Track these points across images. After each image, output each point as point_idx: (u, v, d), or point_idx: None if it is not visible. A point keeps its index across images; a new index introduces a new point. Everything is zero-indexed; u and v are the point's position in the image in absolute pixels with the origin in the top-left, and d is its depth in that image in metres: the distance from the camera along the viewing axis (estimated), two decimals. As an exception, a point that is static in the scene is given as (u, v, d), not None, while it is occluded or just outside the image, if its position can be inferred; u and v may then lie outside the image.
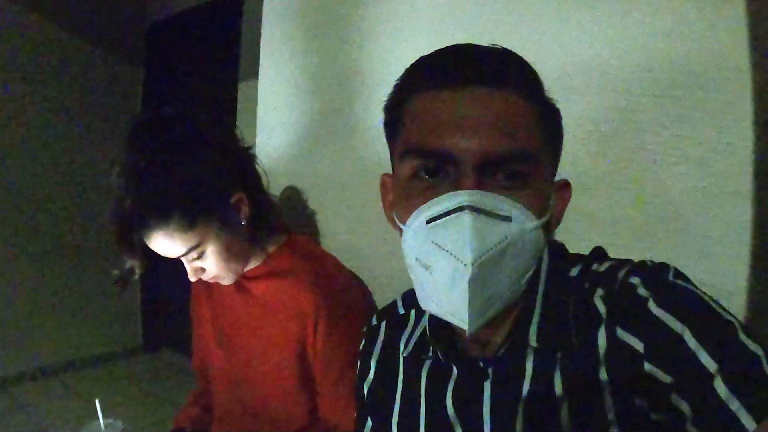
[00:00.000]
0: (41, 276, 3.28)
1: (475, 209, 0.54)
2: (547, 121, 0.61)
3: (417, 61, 0.63)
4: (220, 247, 1.04)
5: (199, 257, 1.03)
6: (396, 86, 0.65)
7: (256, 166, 1.16)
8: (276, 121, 1.53)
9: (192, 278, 1.07)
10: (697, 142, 0.84)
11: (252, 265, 1.15)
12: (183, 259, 1.04)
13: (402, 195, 0.62)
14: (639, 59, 0.89)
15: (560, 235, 0.98)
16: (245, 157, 1.14)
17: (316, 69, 1.42)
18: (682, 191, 0.86)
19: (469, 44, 0.61)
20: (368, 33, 1.30)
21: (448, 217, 0.55)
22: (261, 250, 1.15)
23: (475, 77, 0.57)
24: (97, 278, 3.50)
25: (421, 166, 0.58)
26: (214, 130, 1.08)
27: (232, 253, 1.06)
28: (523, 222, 0.56)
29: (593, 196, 0.95)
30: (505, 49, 0.61)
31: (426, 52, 1.16)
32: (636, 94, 0.89)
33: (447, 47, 0.62)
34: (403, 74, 0.64)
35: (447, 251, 0.54)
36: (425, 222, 0.57)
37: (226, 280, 1.10)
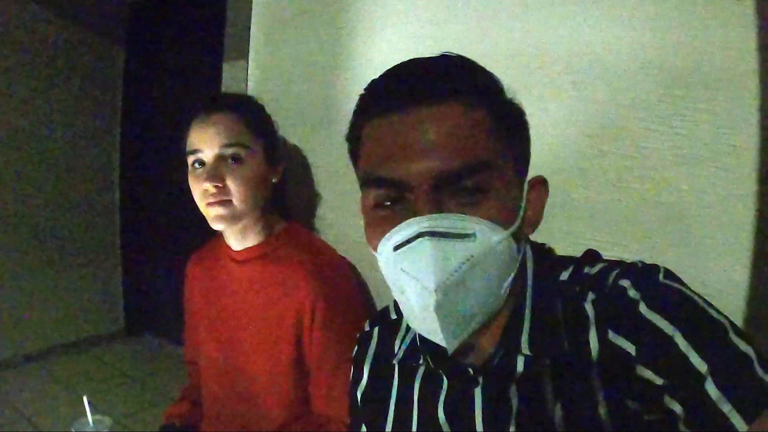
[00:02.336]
0: (23, 261, 3.22)
1: (433, 234, 0.54)
2: (502, 122, 0.59)
3: (368, 86, 0.63)
4: (255, 172, 1.08)
5: (235, 160, 1.06)
6: (353, 113, 0.65)
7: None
8: (268, 108, 1.49)
9: (207, 184, 1.04)
10: (702, 143, 0.83)
11: (250, 242, 1.14)
12: (212, 162, 1.06)
13: (370, 223, 0.62)
14: (646, 56, 0.88)
15: (560, 233, 0.97)
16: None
17: (309, 55, 1.39)
18: (685, 191, 0.86)
19: (413, 61, 0.61)
20: (363, 18, 1.27)
21: (410, 244, 0.55)
22: (265, 227, 1.14)
23: (418, 97, 0.57)
24: (78, 263, 3.45)
25: (380, 195, 0.59)
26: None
27: (255, 189, 1.09)
28: (488, 236, 0.56)
29: (594, 193, 0.94)
30: (451, 58, 0.61)
31: (422, 38, 1.14)
32: (641, 91, 0.88)
33: (393, 67, 0.62)
34: (358, 101, 0.64)
35: (413, 278, 0.55)
36: (392, 249, 0.57)
37: (225, 213, 1.06)
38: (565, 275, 0.64)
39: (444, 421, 0.66)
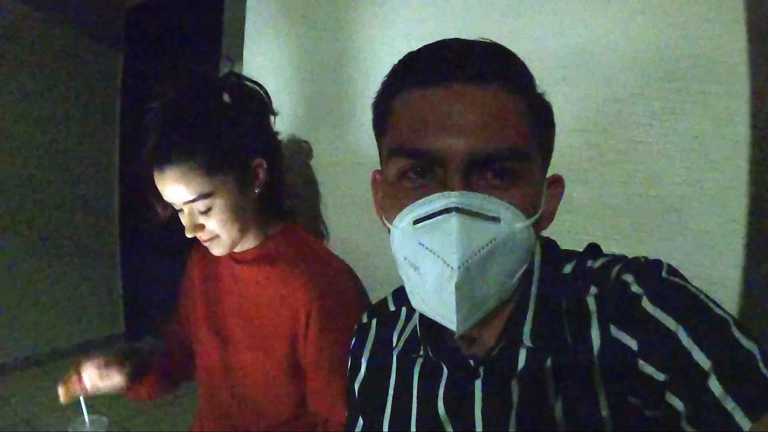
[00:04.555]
0: (22, 264, 3.22)
1: (462, 211, 0.53)
2: (537, 115, 0.59)
3: (404, 57, 0.62)
4: (229, 205, 1.03)
5: (205, 211, 1.02)
6: (383, 83, 0.64)
7: (281, 150, 1.21)
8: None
9: (189, 234, 1.04)
10: (692, 135, 0.83)
11: (248, 245, 1.13)
12: (185, 210, 1.03)
13: (390, 194, 0.61)
14: (636, 50, 0.88)
15: (553, 228, 0.97)
16: (274, 135, 1.20)
17: (305, 55, 1.39)
18: (677, 184, 0.86)
19: (456, 39, 0.60)
20: (359, 17, 1.27)
21: (435, 218, 0.54)
22: (261, 229, 1.14)
23: (462, 74, 0.56)
24: (78, 266, 3.45)
25: (408, 166, 0.58)
26: (260, 99, 1.16)
27: (237, 216, 1.05)
28: (511, 222, 0.55)
29: (587, 188, 0.94)
30: (493, 44, 0.60)
31: (417, 37, 1.14)
32: (632, 85, 0.89)
33: (434, 43, 0.61)
34: (390, 71, 0.63)
35: (434, 253, 0.54)
36: (412, 222, 0.56)
37: (220, 247, 1.07)
38: (567, 269, 0.64)
39: (444, 413, 0.66)
